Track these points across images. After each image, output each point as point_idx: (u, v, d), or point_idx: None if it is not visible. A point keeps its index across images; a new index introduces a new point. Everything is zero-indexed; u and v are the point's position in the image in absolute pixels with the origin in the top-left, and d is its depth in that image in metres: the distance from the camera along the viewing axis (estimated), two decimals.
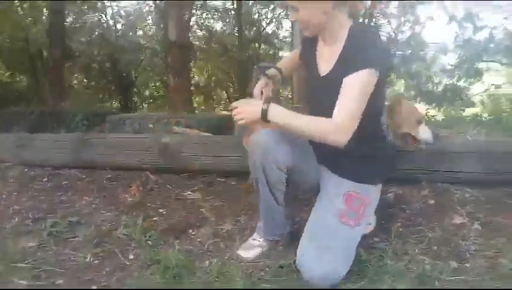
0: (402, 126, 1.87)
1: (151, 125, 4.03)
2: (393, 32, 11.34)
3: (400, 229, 1.90)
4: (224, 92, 13.80)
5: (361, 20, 10.48)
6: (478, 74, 11.16)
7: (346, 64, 1.44)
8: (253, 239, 1.79)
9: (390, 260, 1.61)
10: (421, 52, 11.88)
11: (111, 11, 12.33)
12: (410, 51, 12.05)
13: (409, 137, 1.89)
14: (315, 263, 1.40)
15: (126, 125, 4.21)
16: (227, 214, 2.16)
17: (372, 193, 1.64)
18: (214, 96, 13.84)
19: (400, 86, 14.20)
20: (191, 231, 2.00)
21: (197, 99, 12.96)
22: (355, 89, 1.39)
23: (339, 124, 1.39)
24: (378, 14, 10.35)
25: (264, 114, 1.43)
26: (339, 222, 1.50)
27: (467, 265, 1.58)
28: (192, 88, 10.66)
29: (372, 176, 1.65)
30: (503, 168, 2.08)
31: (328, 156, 1.63)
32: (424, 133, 1.88)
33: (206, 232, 1.96)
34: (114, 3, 12.19)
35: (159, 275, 1.56)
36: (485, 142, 2.57)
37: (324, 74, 1.59)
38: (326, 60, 1.58)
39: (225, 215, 2.15)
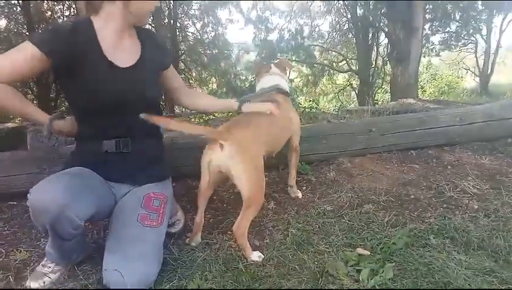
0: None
1: None
2: (199, 32, 11.87)
3: (210, 220, 2.04)
4: None
5: (166, 20, 10.68)
6: None
7: None
8: (43, 265, 1.58)
9: (202, 252, 1.71)
10: (226, 52, 12.93)
11: None
12: (217, 51, 12.90)
13: None
14: (124, 274, 1.34)
15: None
16: (22, 241, 1.89)
17: (168, 188, 1.73)
18: None
19: (213, 83, 15.07)
20: None
21: None
22: None
23: None
24: (182, 15, 10.64)
25: None
26: (141, 226, 1.49)
27: (267, 241, 1.81)
28: None
29: (165, 170, 1.77)
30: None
31: (128, 170, 1.62)
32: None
33: None
34: None
35: None
36: None
37: None
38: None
39: (19, 242, 1.87)
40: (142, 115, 1.50)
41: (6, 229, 2.02)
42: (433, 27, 14.48)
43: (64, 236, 1.39)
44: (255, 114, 1.83)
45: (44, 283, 1.52)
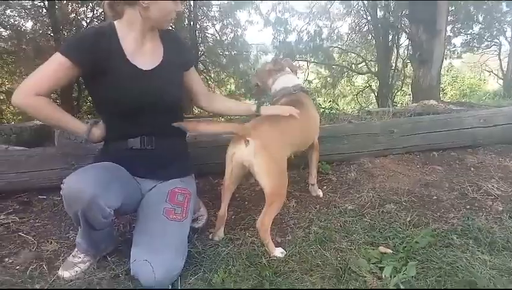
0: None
1: None
2: (218, 34, 11.96)
3: (233, 217, 2.08)
4: None
5: (186, 22, 10.81)
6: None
7: None
8: (74, 256, 1.65)
9: (225, 247, 1.75)
10: (245, 53, 13.00)
11: None
12: (235, 52, 12.97)
13: None
14: (151, 266, 1.39)
15: None
16: (52, 233, 1.97)
17: (191, 184, 1.77)
18: None
19: (231, 84, 15.17)
20: (7, 259, 1.75)
21: (11, 108, 11.15)
22: None
23: None
24: (202, 17, 10.75)
25: None
26: (167, 220, 1.55)
27: (289, 237, 1.84)
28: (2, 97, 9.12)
29: (190, 166, 1.82)
30: None
31: (153, 166, 1.67)
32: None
33: (27, 257, 1.74)
34: None
35: None
36: None
37: None
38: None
39: (49, 234, 1.95)
40: (175, 124, 1.60)
41: (37, 221, 2.10)
42: (455, 29, 14.24)
43: (95, 225, 1.45)
44: None
45: (75, 272, 1.59)
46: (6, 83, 11.57)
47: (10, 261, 1.74)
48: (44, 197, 2.32)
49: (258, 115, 1.85)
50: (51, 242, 1.87)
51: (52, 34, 10.80)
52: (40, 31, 11.18)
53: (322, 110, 4.16)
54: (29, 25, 11.26)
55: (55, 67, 1.49)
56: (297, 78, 2.29)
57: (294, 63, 2.47)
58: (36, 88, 1.47)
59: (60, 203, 2.25)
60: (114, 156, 1.62)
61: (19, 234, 1.95)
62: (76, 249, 1.67)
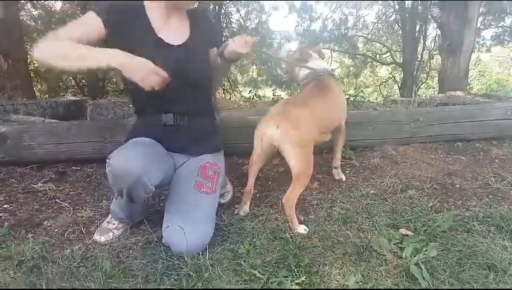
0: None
1: None
2: (242, 19, 11.93)
3: (257, 195, 2.15)
4: (71, 78, 12.46)
5: (211, 6, 10.82)
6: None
7: None
8: (108, 222, 1.76)
9: (250, 221, 1.82)
10: (269, 40, 12.94)
11: None
12: (259, 38, 12.92)
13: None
14: (183, 234, 1.48)
15: None
16: (86, 201, 2.08)
17: (220, 160, 1.84)
18: (60, 84, 12.37)
19: (253, 70, 15.15)
20: (46, 222, 1.87)
21: (39, 86, 11.48)
22: None
23: None
24: (227, 2, 10.72)
25: None
26: (198, 192, 1.63)
27: (311, 216, 1.90)
28: (32, 74, 9.37)
29: (219, 143, 1.87)
30: None
31: (186, 142, 1.73)
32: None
33: (64, 221, 1.86)
34: None
35: (12, 271, 1.43)
36: None
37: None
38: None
39: (83, 202, 2.07)
40: None
41: (71, 190, 2.22)
42: (486, 21, 13.77)
43: (136, 199, 1.54)
44: (312, 94, 1.91)
45: (110, 237, 1.69)
46: (35, 62, 11.88)
47: (49, 224, 1.86)
48: (78, 168, 2.44)
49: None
50: (86, 209, 1.99)
51: (80, 15, 10.97)
52: (69, 11, 11.38)
53: (347, 96, 4.16)
54: (58, 5, 11.48)
55: (84, 20, 1.53)
56: (324, 63, 2.32)
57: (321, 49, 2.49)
58: (64, 35, 1.42)
59: (92, 174, 2.38)
60: (147, 131, 1.67)
61: (55, 201, 2.08)
62: (110, 216, 1.77)
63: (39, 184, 2.24)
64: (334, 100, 1.97)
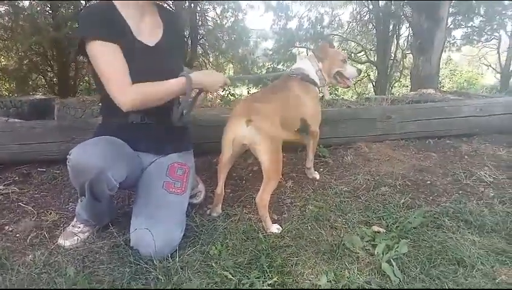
0: (332, 66, 2.16)
1: None
2: (218, 17, 11.83)
3: (230, 195, 2.12)
4: (41, 76, 12.03)
5: (186, 4, 10.69)
6: (293, 58, 12.91)
7: None
8: (73, 226, 1.69)
9: (222, 222, 1.79)
10: (245, 38, 12.89)
11: None
12: (235, 36, 12.86)
13: (338, 75, 2.19)
14: (151, 236, 1.43)
15: None
16: (51, 204, 2.00)
17: (190, 160, 1.80)
18: (30, 82, 11.93)
19: (230, 69, 15.07)
20: (7, 227, 1.78)
21: (7, 85, 11.06)
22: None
23: None
24: None
25: None
26: (167, 193, 1.59)
27: (285, 215, 1.89)
28: None
29: (189, 142, 1.84)
30: None
31: (153, 141, 1.69)
32: (350, 68, 2.20)
33: (27, 226, 1.78)
34: None
35: None
36: None
37: None
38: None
39: (48, 205, 1.98)
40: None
41: (36, 193, 2.13)
42: (456, 21, 14.17)
43: (100, 196, 1.48)
44: (271, 92, 1.89)
45: (75, 241, 1.62)
46: (3, 60, 11.44)
47: (10, 229, 1.78)
48: (44, 169, 2.34)
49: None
50: (51, 213, 1.91)
51: (50, 12, 10.64)
52: (38, 8, 11.00)
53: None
54: (26, 2, 11.08)
55: (110, 54, 1.48)
56: (306, 64, 2.22)
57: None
58: (125, 80, 1.48)
59: (59, 176, 2.28)
60: (114, 130, 1.62)
61: (18, 204, 1.99)
62: (75, 220, 1.70)
63: (1, 187, 2.13)
64: (291, 99, 1.96)
